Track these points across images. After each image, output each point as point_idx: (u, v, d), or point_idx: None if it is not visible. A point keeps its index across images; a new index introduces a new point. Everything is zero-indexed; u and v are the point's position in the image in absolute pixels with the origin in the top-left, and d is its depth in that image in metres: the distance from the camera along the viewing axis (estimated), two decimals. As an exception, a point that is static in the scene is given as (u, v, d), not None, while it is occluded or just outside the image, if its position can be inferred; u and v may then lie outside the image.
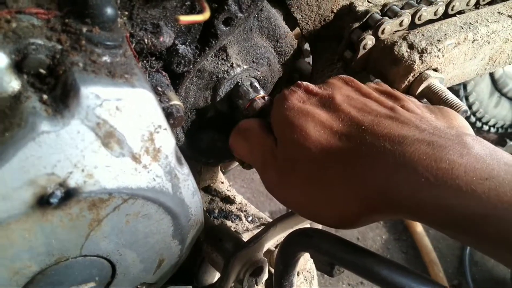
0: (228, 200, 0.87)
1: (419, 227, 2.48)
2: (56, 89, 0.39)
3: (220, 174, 0.92)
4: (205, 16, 0.43)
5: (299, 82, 0.58)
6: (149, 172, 0.44)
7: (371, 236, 2.52)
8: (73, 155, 0.39)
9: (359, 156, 0.47)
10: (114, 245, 0.47)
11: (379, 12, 0.69)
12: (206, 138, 0.71)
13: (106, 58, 0.42)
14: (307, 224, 0.71)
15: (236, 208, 0.86)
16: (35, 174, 0.38)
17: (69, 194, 0.40)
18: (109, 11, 0.43)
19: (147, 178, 0.44)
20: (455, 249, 2.48)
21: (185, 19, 0.42)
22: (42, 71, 0.40)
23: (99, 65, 0.41)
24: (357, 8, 0.70)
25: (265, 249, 0.68)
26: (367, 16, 0.68)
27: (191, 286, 0.70)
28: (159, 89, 0.52)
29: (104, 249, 0.47)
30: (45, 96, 0.39)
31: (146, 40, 0.50)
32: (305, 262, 0.78)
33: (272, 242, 0.71)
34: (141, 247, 0.50)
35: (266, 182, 0.55)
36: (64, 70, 0.40)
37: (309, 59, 0.84)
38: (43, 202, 0.39)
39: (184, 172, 0.48)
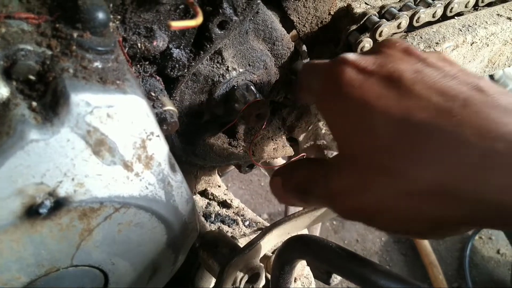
0: (225, 204, 0.87)
1: (418, 229, 2.47)
2: (46, 96, 0.38)
3: (217, 178, 0.91)
4: (197, 21, 0.42)
5: (343, 57, 0.47)
6: (141, 180, 0.43)
7: (371, 238, 2.51)
8: (63, 164, 0.38)
9: (468, 162, 0.38)
10: (106, 255, 0.46)
11: (377, 14, 0.68)
12: (202, 142, 0.70)
13: (98, 64, 0.41)
14: (304, 229, 0.70)
15: (233, 212, 0.85)
16: (24, 183, 0.37)
17: (59, 204, 0.39)
18: (101, 15, 0.42)
19: (139, 186, 0.43)
20: (455, 251, 2.47)
21: (176, 24, 0.41)
22: (31, 77, 0.39)
23: (90, 71, 0.40)
24: (355, 10, 0.69)
25: (261, 255, 0.67)
26: (365, 19, 0.67)
27: (187, 293, 0.70)
28: (153, 94, 0.51)
29: (96, 258, 0.46)
30: (34, 104, 0.38)
31: (139, 45, 0.49)
32: (303, 268, 0.77)
33: (269, 247, 0.70)
34: (134, 256, 0.49)
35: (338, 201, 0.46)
36: (54, 77, 0.39)
37: (307, 61, 0.83)
38: (32, 212, 0.38)
39: (178, 180, 0.47)
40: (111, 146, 0.40)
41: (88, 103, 0.38)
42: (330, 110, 0.47)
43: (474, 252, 2.45)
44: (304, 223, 0.68)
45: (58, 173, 0.38)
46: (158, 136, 0.43)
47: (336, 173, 0.45)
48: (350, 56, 0.47)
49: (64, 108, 0.37)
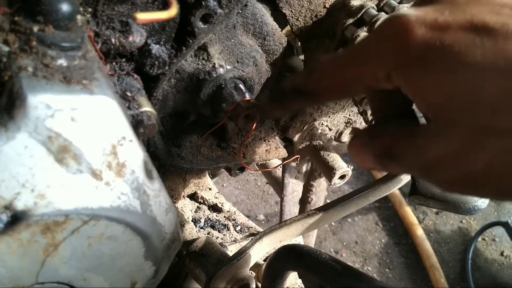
0: (216, 208, 0.83)
1: (419, 231, 2.44)
2: (1, 98, 0.34)
3: (208, 180, 0.87)
4: (170, 13, 0.38)
5: (400, 19, 0.40)
6: (112, 190, 0.39)
7: (370, 240, 2.47)
8: (21, 173, 0.34)
9: None
10: (76, 270, 0.42)
11: (375, 7, 0.64)
12: (189, 144, 0.66)
13: (62, 62, 0.37)
14: (297, 238, 0.66)
15: (224, 216, 0.81)
16: (-25, 196, 0.33)
17: (17, 218, 0.35)
18: (65, 7, 0.38)
19: (110, 196, 0.39)
20: (457, 254, 2.43)
21: (144, 17, 0.37)
22: (-15, 76, 0.35)
23: (53, 70, 0.36)
24: (351, 3, 0.65)
25: (252, 264, 0.63)
26: (362, 12, 0.63)
27: (174, 303, 0.66)
28: (129, 94, 0.46)
29: (64, 275, 0.42)
30: (-13, 106, 0.34)
31: (113, 40, 0.45)
32: (295, 277, 0.73)
33: (260, 255, 0.66)
34: (108, 270, 0.45)
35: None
36: (10, 76, 0.35)
37: (302, 56, 0.79)
38: (-15, 227, 0.34)
39: (155, 188, 0.43)
40: (76, 153, 0.36)
41: (49, 106, 0.34)
42: (414, 80, 0.42)
43: (477, 254, 2.41)
44: (297, 231, 0.64)
45: (14, 184, 0.34)
46: (131, 140, 0.39)
47: (433, 141, 0.41)
48: (407, 15, 0.41)
49: (20, 111, 0.33)
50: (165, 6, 0.46)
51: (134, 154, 0.40)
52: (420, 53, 0.40)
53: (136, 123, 0.45)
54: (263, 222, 2.39)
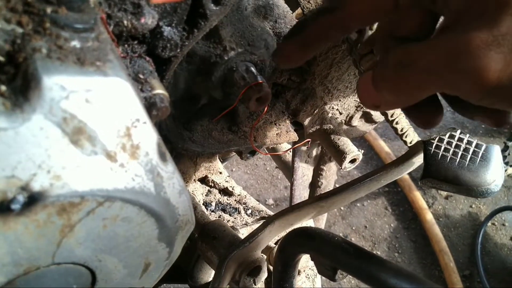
0: (226, 191, 0.83)
1: (429, 215, 2.43)
2: (16, 80, 0.35)
3: (218, 164, 0.87)
4: (183, -7, 0.37)
5: None
6: (127, 172, 0.39)
7: (379, 224, 2.48)
8: (37, 154, 0.34)
9: None
10: (91, 251, 0.42)
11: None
12: (200, 127, 0.66)
13: (75, 43, 0.37)
14: (308, 221, 0.66)
15: (235, 200, 0.81)
16: (-8, 177, 0.33)
17: (34, 199, 0.35)
18: (78, -12, 0.37)
19: (125, 178, 0.39)
20: (466, 238, 2.43)
21: (158, -2, 0.36)
22: (0, 58, 0.35)
23: (66, 51, 0.36)
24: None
25: (263, 247, 0.64)
26: None
27: (186, 285, 0.66)
28: (141, 76, 0.46)
29: (80, 256, 0.42)
30: (3, 88, 0.34)
31: (125, 22, 0.45)
32: (307, 260, 0.73)
33: (271, 239, 0.67)
34: (123, 251, 0.45)
35: None
36: (25, 58, 0.35)
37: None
38: (3, 208, 0.34)
39: (169, 170, 0.43)
40: (91, 134, 0.36)
41: (63, 87, 0.34)
42: None
43: (486, 239, 2.41)
44: (309, 214, 0.64)
45: (31, 165, 0.34)
46: (145, 122, 0.40)
47: (471, 27, 0.37)
48: None
49: (36, 92, 0.33)
50: (177, -13, 0.46)
51: (148, 136, 0.40)
52: None
53: (149, 105, 0.45)
54: (272, 206, 2.40)
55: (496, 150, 0.62)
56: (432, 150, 0.62)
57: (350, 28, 0.46)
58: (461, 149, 0.61)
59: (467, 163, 0.59)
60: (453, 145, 0.61)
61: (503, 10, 0.37)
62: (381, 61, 0.45)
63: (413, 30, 0.46)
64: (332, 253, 0.48)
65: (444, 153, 0.61)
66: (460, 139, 0.63)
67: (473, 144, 0.62)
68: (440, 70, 0.39)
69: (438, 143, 0.62)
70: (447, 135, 0.63)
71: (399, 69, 0.41)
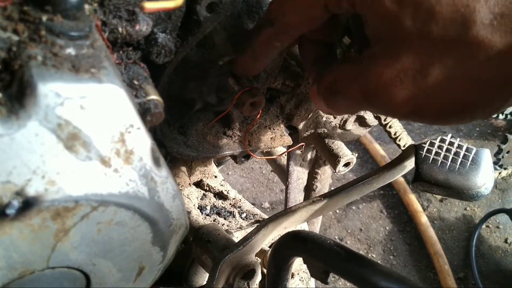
0: (221, 195, 0.83)
1: (423, 218, 2.44)
2: (11, 87, 0.35)
3: (213, 167, 0.87)
4: (177, 2, 0.38)
5: None
6: (121, 177, 0.40)
7: (374, 227, 2.48)
8: (32, 160, 0.35)
9: None
10: (85, 255, 0.43)
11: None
12: (195, 132, 0.67)
13: (70, 51, 0.38)
14: (302, 225, 0.67)
15: (230, 204, 0.82)
16: (-12, 182, 0.34)
17: (29, 204, 0.35)
18: (73, -3, 0.38)
19: (119, 183, 0.40)
20: (461, 241, 2.44)
21: (152, 6, 0.37)
22: (-5, 65, 0.35)
23: (61, 59, 0.37)
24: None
25: (257, 250, 0.64)
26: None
27: (180, 288, 0.67)
28: (136, 82, 0.47)
29: (74, 260, 0.43)
30: (-1, 94, 0.35)
31: (120, 29, 0.46)
32: (301, 262, 0.74)
33: (266, 242, 0.67)
34: (117, 255, 0.46)
35: None
36: (20, 65, 0.35)
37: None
38: (-2, 213, 0.35)
39: (162, 175, 0.43)
40: (85, 140, 0.37)
41: (58, 94, 0.35)
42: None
43: (481, 242, 2.42)
44: (302, 217, 0.64)
45: (26, 171, 0.35)
46: (139, 128, 0.40)
47: (380, 62, 0.41)
48: None
49: (31, 99, 0.34)
50: (172, -5, 0.46)
51: (142, 142, 0.41)
52: None
53: (144, 111, 0.46)
54: (268, 209, 2.40)
55: (486, 154, 0.63)
56: (423, 154, 0.62)
57: (290, 37, 0.51)
58: (452, 152, 0.62)
59: (457, 166, 0.60)
60: (444, 149, 0.62)
61: (404, 44, 0.40)
62: (317, 79, 0.51)
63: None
64: (324, 256, 0.49)
65: (435, 156, 0.61)
66: (451, 143, 0.63)
67: (464, 148, 0.63)
68: (361, 102, 0.44)
69: (429, 147, 0.63)
70: (438, 139, 0.64)
71: (328, 94, 0.47)
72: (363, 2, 0.42)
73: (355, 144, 2.80)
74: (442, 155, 0.61)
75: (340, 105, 0.47)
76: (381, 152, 2.78)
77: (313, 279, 0.77)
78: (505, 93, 0.39)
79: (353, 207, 2.57)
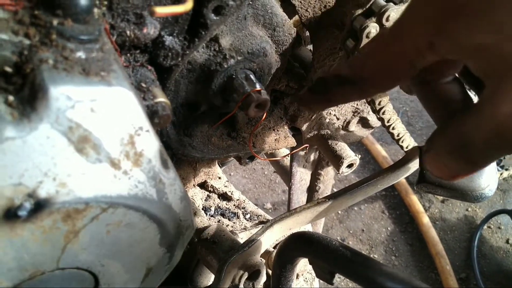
0: (225, 196, 0.84)
1: (425, 219, 2.45)
2: (23, 90, 0.36)
3: (217, 169, 0.88)
4: (186, 7, 0.39)
5: None
6: (130, 179, 0.40)
7: (376, 227, 2.49)
8: (43, 163, 0.35)
9: None
10: (95, 257, 0.43)
11: (384, -3, 0.64)
12: (200, 133, 0.67)
13: (80, 54, 0.38)
14: (306, 226, 0.67)
15: (234, 205, 0.82)
16: (0, 185, 0.34)
17: (40, 206, 0.36)
18: (83, 1, 0.38)
19: (128, 185, 0.40)
20: (462, 241, 2.44)
21: (161, 11, 0.37)
22: (7, 69, 0.36)
23: (72, 62, 0.37)
24: (360, -6, 0.65)
25: (262, 251, 0.65)
26: (371, 2, 0.64)
27: (185, 289, 0.67)
28: (143, 85, 0.47)
29: (84, 261, 0.43)
30: (11, 98, 0.35)
31: (128, 32, 0.46)
32: (306, 263, 0.74)
33: (270, 243, 0.68)
34: (126, 256, 0.46)
35: None
36: (32, 68, 0.36)
37: (310, 46, 0.79)
38: (10, 215, 0.35)
39: (170, 177, 0.44)
40: (95, 143, 0.37)
41: (69, 97, 0.35)
42: (463, 36, 0.38)
43: (482, 242, 2.42)
44: (307, 218, 0.65)
45: (37, 173, 0.35)
46: (147, 131, 0.41)
47: (497, 98, 0.37)
48: None
49: (43, 102, 0.34)
50: (179, -2, 0.47)
51: (151, 144, 0.41)
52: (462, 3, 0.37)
53: (152, 114, 0.46)
54: (270, 210, 2.41)
55: (490, 156, 0.63)
56: (428, 155, 0.63)
57: (373, 93, 0.49)
58: (456, 154, 0.62)
59: (461, 168, 0.61)
60: (448, 151, 0.62)
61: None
62: (431, 146, 0.45)
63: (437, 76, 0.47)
64: (330, 257, 0.49)
65: (439, 158, 0.62)
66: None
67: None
68: (496, 144, 0.40)
69: (433, 149, 0.63)
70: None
71: (459, 150, 0.42)
72: (453, 47, 0.39)
73: (357, 145, 2.81)
74: (446, 157, 0.61)
75: (477, 158, 0.42)
76: (382, 153, 2.79)
77: (317, 280, 0.77)
78: None
79: (355, 208, 2.57)
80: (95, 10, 0.42)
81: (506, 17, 0.35)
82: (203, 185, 0.85)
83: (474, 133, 0.40)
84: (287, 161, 1.25)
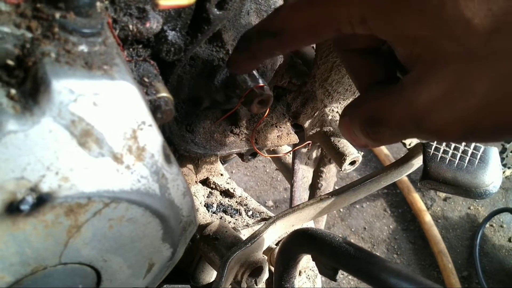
0: (228, 193, 0.84)
1: (427, 217, 2.44)
2: (25, 83, 0.35)
3: (219, 166, 0.88)
4: (190, 0, 0.38)
5: None
6: (132, 173, 0.40)
7: (378, 226, 2.48)
8: (45, 157, 0.35)
9: None
10: (97, 252, 0.43)
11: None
12: (202, 130, 0.67)
13: (83, 48, 0.38)
14: (308, 222, 0.67)
15: (236, 202, 0.82)
16: (3, 178, 0.34)
17: (42, 200, 0.36)
18: (85, -6, 0.38)
19: (130, 179, 0.40)
20: (464, 240, 2.44)
21: (165, 3, 0.37)
22: (9, 62, 0.36)
23: (74, 56, 0.37)
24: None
25: (265, 247, 0.65)
26: None
27: (188, 286, 0.67)
28: (146, 80, 0.47)
29: (86, 256, 0.43)
30: (13, 91, 0.35)
31: (131, 27, 0.46)
32: (308, 260, 0.74)
33: (273, 240, 0.67)
34: (128, 252, 0.46)
35: None
36: (34, 62, 0.35)
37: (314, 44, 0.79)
38: (12, 209, 0.35)
39: (173, 172, 0.44)
40: (98, 137, 0.37)
41: (72, 91, 0.35)
42: (394, 18, 0.39)
43: (484, 241, 2.42)
44: (309, 215, 0.65)
45: (40, 167, 0.35)
46: (150, 125, 0.40)
47: (421, 87, 0.39)
48: None
49: (45, 96, 0.34)
50: (182, -8, 0.46)
51: (153, 139, 0.41)
52: None
53: (154, 108, 0.46)
54: (272, 208, 2.41)
55: (494, 152, 0.63)
56: (431, 152, 0.63)
57: (292, 47, 0.48)
58: (460, 151, 0.62)
59: (465, 165, 0.60)
60: (451, 147, 0.62)
61: (444, 64, 0.37)
62: (348, 112, 0.46)
63: (363, 45, 0.47)
64: (333, 253, 0.49)
65: (443, 155, 0.61)
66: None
67: (472, 146, 0.63)
68: (410, 129, 0.41)
69: (437, 145, 0.63)
70: (446, 137, 0.64)
71: (370, 125, 0.43)
72: (386, 29, 0.39)
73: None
74: (450, 153, 0.61)
75: (384, 135, 0.43)
76: (384, 151, 2.78)
77: (319, 277, 0.77)
78: None
79: (357, 206, 2.57)
80: (98, 3, 0.42)
81: (451, 16, 0.36)
82: (205, 182, 0.85)
83: (390, 112, 0.42)
84: (289, 158, 1.25)
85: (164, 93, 0.47)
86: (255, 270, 0.61)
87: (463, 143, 0.63)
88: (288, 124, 0.80)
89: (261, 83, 0.59)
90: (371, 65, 0.47)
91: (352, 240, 2.40)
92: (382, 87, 0.44)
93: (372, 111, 0.43)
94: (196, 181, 0.82)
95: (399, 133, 0.42)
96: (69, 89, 0.35)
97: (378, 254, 2.36)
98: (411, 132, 0.41)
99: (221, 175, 0.87)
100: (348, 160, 0.86)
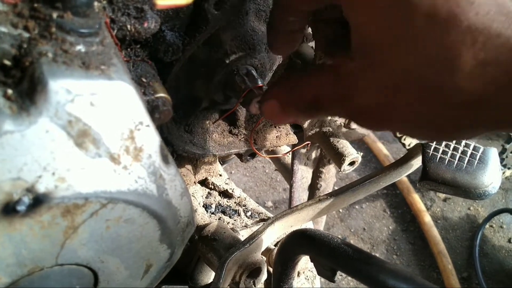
0: (226, 194, 0.83)
1: (427, 217, 2.44)
2: (22, 83, 0.35)
3: (218, 166, 0.87)
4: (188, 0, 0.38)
5: None
6: (130, 174, 0.40)
7: (378, 226, 2.48)
8: (42, 157, 0.35)
9: None
10: (94, 252, 0.43)
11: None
12: (201, 130, 0.67)
13: (80, 48, 0.38)
14: (307, 223, 0.67)
15: (235, 202, 0.82)
16: (-1, 179, 0.34)
17: (39, 201, 0.36)
18: (83, -6, 0.38)
19: (128, 180, 0.40)
20: (464, 240, 2.44)
21: (163, 3, 0.37)
22: (6, 62, 0.35)
23: (72, 56, 0.37)
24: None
25: (263, 248, 0.64)
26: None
27: (186, 286, 0.67)
28: (144, 80, 0.47)
29: (83, 257, 0.43)
30: (9, 91, 0.35)
31: (129, 26, 0.46)
32: (306, 261, 0.74)
33: (271, 240, 0.67)
34: (125, 253, 0.46)
35: None
36: (31, 62, 0.35)
37: (313, 43, 0.79)
38: (9, 210, 0.35)
39: (171, 172, 0.44)
40: (95, 137, 0.37)
41: (69, 91, 0.35)
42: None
43: (484, 241, 2.42)
44: (308, 216, 0.64)
45: (36, 167, 0.35)
46: (148, 126, 0.40)
47: (365, 82, 0.41)
48: None
49: (42, 96, 0.34)
50: (180, -8, 0.46)
51: (151, 139, 0.41)
52: None
53: (152, 109, 0.46)
54: (271, 209, 2.40)
55: (493, 153, 0.63)
56: (431, 152, 0.62)
57: (299, 11, 0.49)
58: (459, 151, 0.62)
59: (465, 165, 0.60)
60: (451, 148, 0.62)
61: (382, 68, 0.39)
62: (279, 91, 0.48)
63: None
64: (332, 254, 0.49)
65: (442, 155, 0.61)
66: (458, 142, 0.63)
67: (471, 147, 0.63)
68: (346, 117, 0.44)
69: (436, 146, 0.63)
70: (445, 138, 0.64)
71: (309, 109, 0.45)
72: (350, 13, 0.42)
73: (359, 143, 2.80)
74: (449, 154, 0.61)
75: (320, 116, 0.46)
76: (384, 151, 2.78)
77: (318, 278, 0.77)
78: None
79: (356, 207, 2.57)
80: (95, 3, 0.42)
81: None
82: (203, 183, 0.85)
83: (323, 91, 0.44)
84: (288, 159, 1.25)
85: (162, 93, 0.47)
86: (254, 271, 0.61)
87: (462, 143, 0.63)
88: (287, 124, 0.80)
89: (259, 83, 0.59)
90: (327, 37, 0.51)
91: (351, 241, 2.40)
92: (321, 69, 0.46)
93: (313, 96, 0.44)
94: (194, 182, 0.82)
95: (325, 112, 0.46)
96: (66, 89, 0.35)
97: (377, 255, 2.36)
98: (338, 114, 0.46)
99: (220, 175, 0.86)
100: (347, 161, 0.86)
